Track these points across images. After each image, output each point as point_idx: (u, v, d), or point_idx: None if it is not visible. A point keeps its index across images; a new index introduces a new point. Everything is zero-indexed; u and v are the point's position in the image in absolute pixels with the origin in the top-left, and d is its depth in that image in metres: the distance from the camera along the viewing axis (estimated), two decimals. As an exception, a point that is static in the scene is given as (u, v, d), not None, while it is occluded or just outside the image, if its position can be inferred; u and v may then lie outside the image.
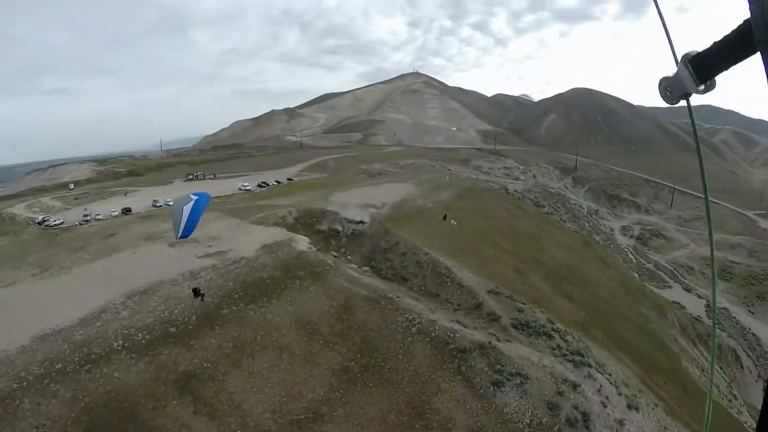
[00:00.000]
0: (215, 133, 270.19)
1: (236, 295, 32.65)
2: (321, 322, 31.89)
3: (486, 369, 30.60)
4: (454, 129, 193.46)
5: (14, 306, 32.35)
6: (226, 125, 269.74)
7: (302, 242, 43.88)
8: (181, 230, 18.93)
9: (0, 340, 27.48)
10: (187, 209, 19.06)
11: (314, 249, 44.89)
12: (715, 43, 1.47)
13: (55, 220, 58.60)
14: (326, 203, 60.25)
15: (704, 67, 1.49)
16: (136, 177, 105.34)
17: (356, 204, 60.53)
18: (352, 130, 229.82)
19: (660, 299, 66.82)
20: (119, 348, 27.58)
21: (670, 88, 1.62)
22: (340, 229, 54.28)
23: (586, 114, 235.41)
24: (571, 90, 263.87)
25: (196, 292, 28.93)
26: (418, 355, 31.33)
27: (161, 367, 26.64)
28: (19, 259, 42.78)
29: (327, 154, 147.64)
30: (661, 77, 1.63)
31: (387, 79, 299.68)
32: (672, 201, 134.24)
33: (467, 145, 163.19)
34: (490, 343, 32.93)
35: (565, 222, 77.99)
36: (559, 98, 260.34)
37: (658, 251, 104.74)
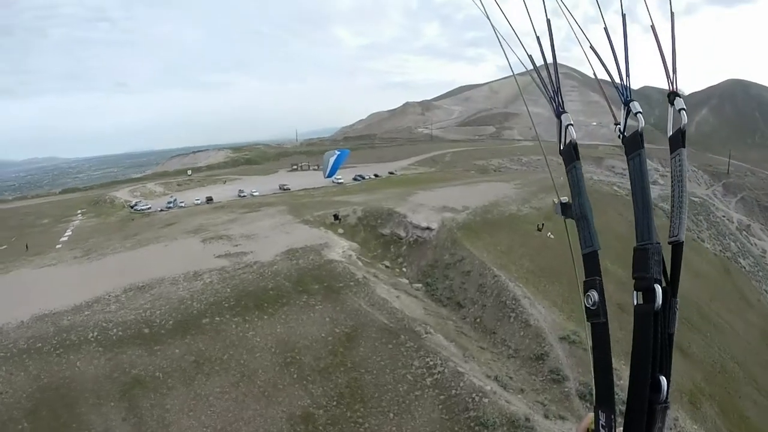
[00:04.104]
0: (352, 124, 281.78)
1: (226, 305, 28.70)
2: (307, 351, 26.09)
3: (508, 459, 21.54)
4: (594, 124, 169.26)
5: (38, 286, 33.64)
6: (365, 116, 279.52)
7: (338, 249, 38.31)
8: (327, 173, 28.92)
9: (9, 315, 28.81)
10: (332, 160, 28.96)
11: (354, 257, 39.10)
12: None
13: (143, 206, 61.55)
14: (400, 203, 53.55)
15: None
16: (252, 165, 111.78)
17: (433, 206, 52.67)
18: (486, 123, 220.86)
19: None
20: (92, 339, 26.55)
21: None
22: (403, 234, 47.37)
23: (741, 109, 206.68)
24: (725, 82, 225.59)
25: (336, 217, 38.35)
26: (417, 418, 23.67)
27: (117, 367, 24.89)
28: (82, 242, 45.24)
29: (451, 147, 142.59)
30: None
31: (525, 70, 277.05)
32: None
33: (607, 141, 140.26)
34: (528, 420, 23.49)
35: (703, 241, 59.69)
36: (710, 91, 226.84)
37: (821, 282, 75.90)
